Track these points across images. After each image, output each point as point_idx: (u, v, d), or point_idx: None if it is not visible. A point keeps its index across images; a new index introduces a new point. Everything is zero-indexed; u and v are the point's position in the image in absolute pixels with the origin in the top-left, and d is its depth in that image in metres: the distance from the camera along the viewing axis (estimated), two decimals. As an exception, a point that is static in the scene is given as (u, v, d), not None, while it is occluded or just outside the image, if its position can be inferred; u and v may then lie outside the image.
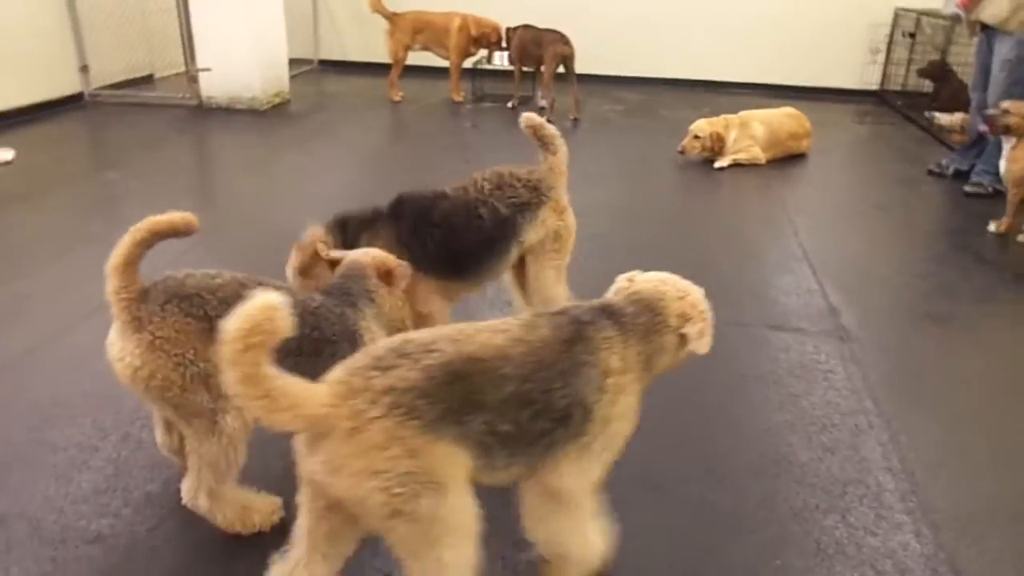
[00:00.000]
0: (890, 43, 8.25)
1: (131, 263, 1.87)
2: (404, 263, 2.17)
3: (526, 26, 7.30)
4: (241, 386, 1.29)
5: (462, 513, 1.46)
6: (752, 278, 3.81)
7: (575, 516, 1.68)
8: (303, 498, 1.54)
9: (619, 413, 1.67)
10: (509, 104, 7.66)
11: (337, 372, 1.45)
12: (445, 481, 1.42)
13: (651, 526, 2.15)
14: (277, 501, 2.08)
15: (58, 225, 4.34)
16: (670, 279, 1.83)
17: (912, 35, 7.71)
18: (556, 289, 2.71)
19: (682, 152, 5.83)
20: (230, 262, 3.86)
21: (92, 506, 2.14)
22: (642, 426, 2.56)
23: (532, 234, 2.65)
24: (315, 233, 2.41)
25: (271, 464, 2.23)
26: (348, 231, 2.48)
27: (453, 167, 3.75)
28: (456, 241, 2.52)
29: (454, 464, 1.44)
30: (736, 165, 5.85)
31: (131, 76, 7.80)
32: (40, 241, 4.06)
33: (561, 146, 2.74)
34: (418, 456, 1.38)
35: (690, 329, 1.74)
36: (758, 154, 5.90)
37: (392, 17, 7.59)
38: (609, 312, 1.71)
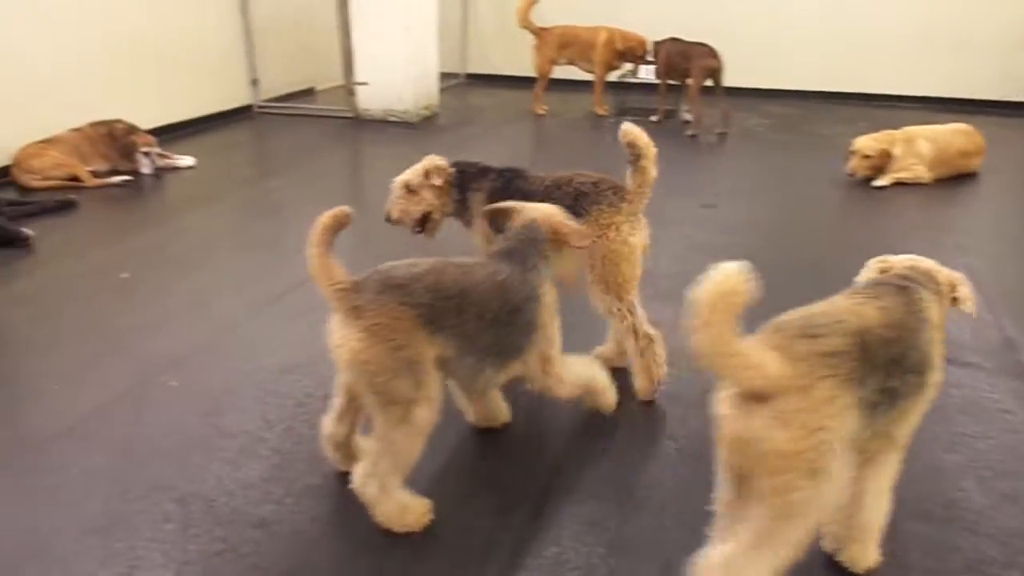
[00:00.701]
0: (1078, 54, 7.55)
1: (326, 262, 2.04)
2: (582, 227, 2.30)
3: (673, 39, 7.20)
4: (714, 346, 1.50)
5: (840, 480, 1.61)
6: (916, 306, 3.57)
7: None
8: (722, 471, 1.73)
9: (939, 364, 1.83)
10: (653, 118, 7.58)
11: (772, 338, 1.63)
12: (844, 446, 1.59)
13: (806, 568, 2.05)
14: (429, 503, 2.16)
15: (229, 226, 4.69)
16: (919, 258, 2.01)
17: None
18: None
19: (852, 175, 5.55)
20: (383, 261, 4.05)
21: (258, 492, 2.29)
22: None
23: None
24: (439, 164, 2.89)
25: (423, 466, 2.30)
26: (465, 177, 2.89)
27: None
28: None
29: (851, 428, 1.61)
30: (897, 184, 5.51)
31: (294, 89, 8.33)
32: (214, 240, 4.40)
33: (649, 168, 2.61)
34: (843, 416, 1.57)
35: (962, 291, 1.94)
36: (922, 173, 5.54)
37: (540, 32, 7.71)
38: (911, 280, 1.87)
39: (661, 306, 2.99)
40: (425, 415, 2.03)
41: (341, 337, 2.02)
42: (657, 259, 3.66)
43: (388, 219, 3.05)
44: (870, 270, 2.07)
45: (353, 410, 2.25)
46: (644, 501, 2.26)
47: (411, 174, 2.96)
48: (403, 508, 2.11)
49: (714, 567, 1.67)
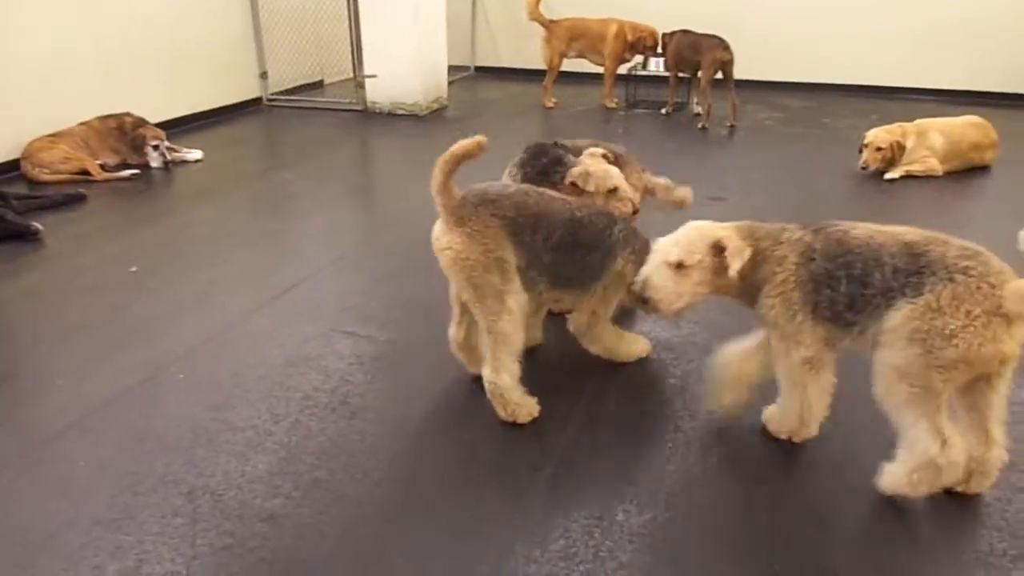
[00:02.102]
0: (1094, 45, 7.45)
1: (447, 181, 2.41)
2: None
3: (684, 31, 7.16)
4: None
5: None
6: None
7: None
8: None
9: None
10: (663, 111, 7.55)
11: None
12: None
13: (809, 562, 2.04)
14: (535, 402, 2.59)
15: (239, 219, 4.70)
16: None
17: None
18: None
19: (864, 168, 5.50)
20: (391, 256, 4.07)
21: (266, 486, 2.29)
22: (800, 451, 2.46)
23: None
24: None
25: (433, 454, 2.30)
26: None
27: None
28: None
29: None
30: (909, 177, 5.47)
31: (304, 82, 8.33)
32: (223, 234, 4.40)
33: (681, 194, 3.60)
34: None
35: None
36: (934, 165, 5.49)
37: (549, 24, 7.67)
38: None
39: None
40: (518, 301, 2.45)
41: (447, 241, 2.44)
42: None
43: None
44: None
45: (468, 315, 2.63)
46: (652, 494, 2.25)
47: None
48: (518, 405, 2.54)
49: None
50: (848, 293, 2.09)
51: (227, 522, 2.14)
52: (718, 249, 2.21)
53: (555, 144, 3.24)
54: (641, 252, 2.57)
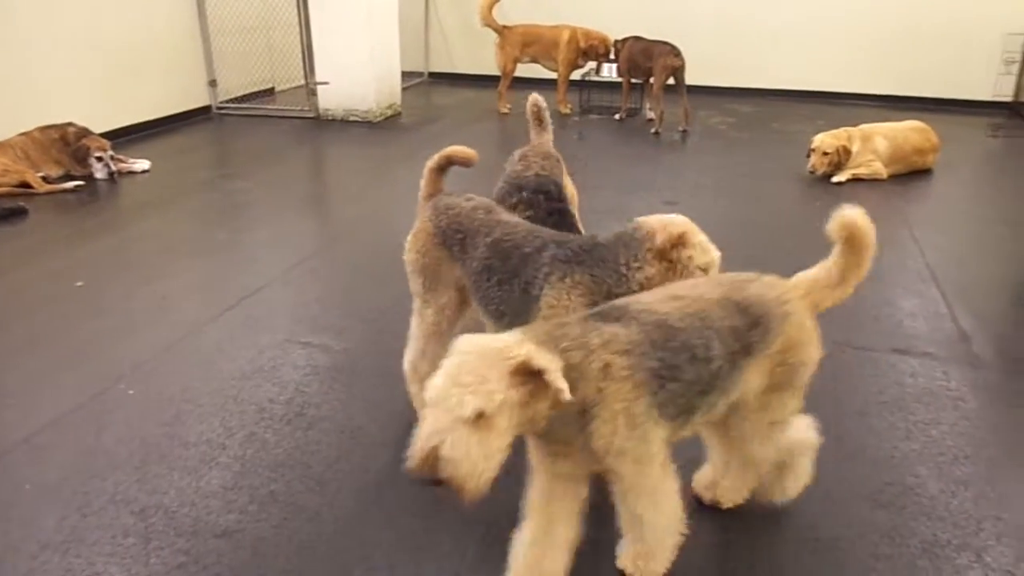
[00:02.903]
0: (1026, 52, 7.75)
1: (433, 177, 2.50)
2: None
3: (636, 38, 7.25)
4: None
5: None
6: (875, 300, 3.63)
7: None
8: None
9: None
10: (617, 116, 7.63)
11: None
12: None
13: (765, 558, 2.08)
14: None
15: (189, 231, 4.62)
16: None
17: (1052, 42, 7.22)
18: None
19: (812, 172, 5.63)
20: (347, 265, 4.04)
21: (221, 501, 2.25)
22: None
23: None
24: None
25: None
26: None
27: (561, 179, 3.86)
28: None
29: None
30: (855, 180, 5.61)
31: (254, 89, 8.22)
32: (174, 245, 4.32)
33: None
34: None
35: None
36: (879, 169, 5.64)
37: (502, 30, 7.71)
38: None
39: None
40: (431, 316, 2.45)
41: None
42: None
43: None
44: None
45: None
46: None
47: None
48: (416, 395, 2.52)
49: None
50: (694, 377, 1.72)
51: (181, 539, 2.10)
52: (525, 375, 1.50)
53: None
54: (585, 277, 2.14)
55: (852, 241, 1.85)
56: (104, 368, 2.98)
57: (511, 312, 2.21)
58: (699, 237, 2.11)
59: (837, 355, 3.12)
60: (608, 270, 2.08)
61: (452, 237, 2.35)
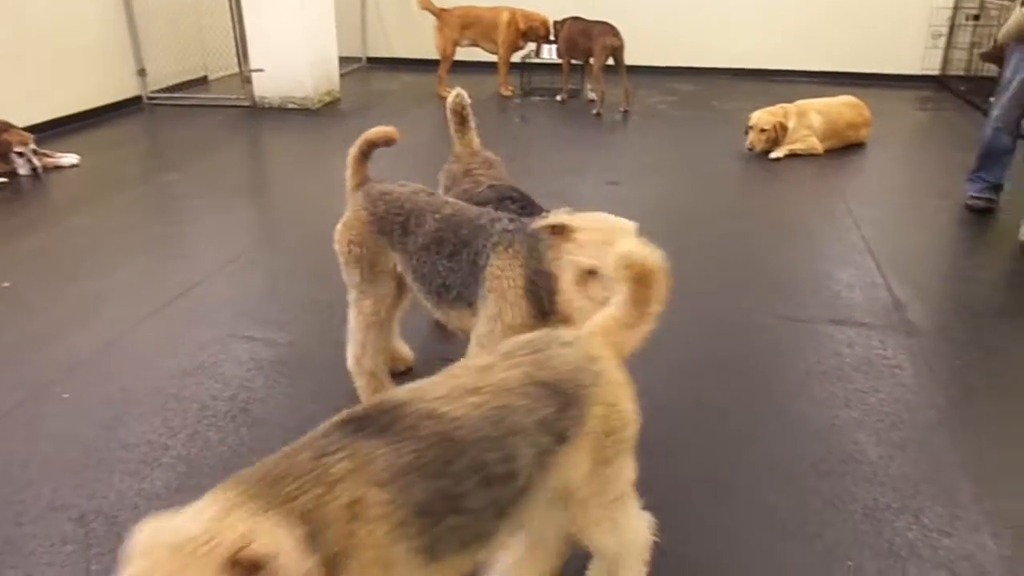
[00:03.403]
0: (952, 26, 7.98)
1: (357, 164, 2.46)
2: None
3: (574, 18, 7.25)
4: None
5: None
6: (813, 272, 3.73)
7: None
8: None
9: None
10: (558, 98, 7.63)
11: None
12: None
13: (712, 527, 2.12)
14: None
15: (123, 225, 4.46)
16: None
17: (976, 17, 7.46)
18: None
19: (751, 149, 5.71)
20: (288, 256, 3.96)
21: (165, 503, 2.18)
22: (702, 424, 2.55)
23: None
24: None
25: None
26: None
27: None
28: None
29: None
30: (792, 155, 5.72)
31: (186, 78, 7.98)
32: (107, 241, 4.18)
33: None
34: None
35: None
36: (815, 144, 5.77)
37: (440, 13, 7.61)
38: None
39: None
40: (369, 306, 2.43)
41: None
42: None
43: None
44: None
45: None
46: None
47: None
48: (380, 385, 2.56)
49: None
50: (486, 502, 1.34)
51: (124, 546, 2.04)
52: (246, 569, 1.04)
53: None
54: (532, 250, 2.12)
55: (640, 279, 1.57)
56: (35, 372, 2.87)
57: (458, 284, 2.22)
58: (587, 236, 1.97)
59: (777, 328, 3.19)
60: (535, 249, 2.10)
61: (392, 222, 2.32)
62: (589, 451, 1.51)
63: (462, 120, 3.00)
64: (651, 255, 1.56)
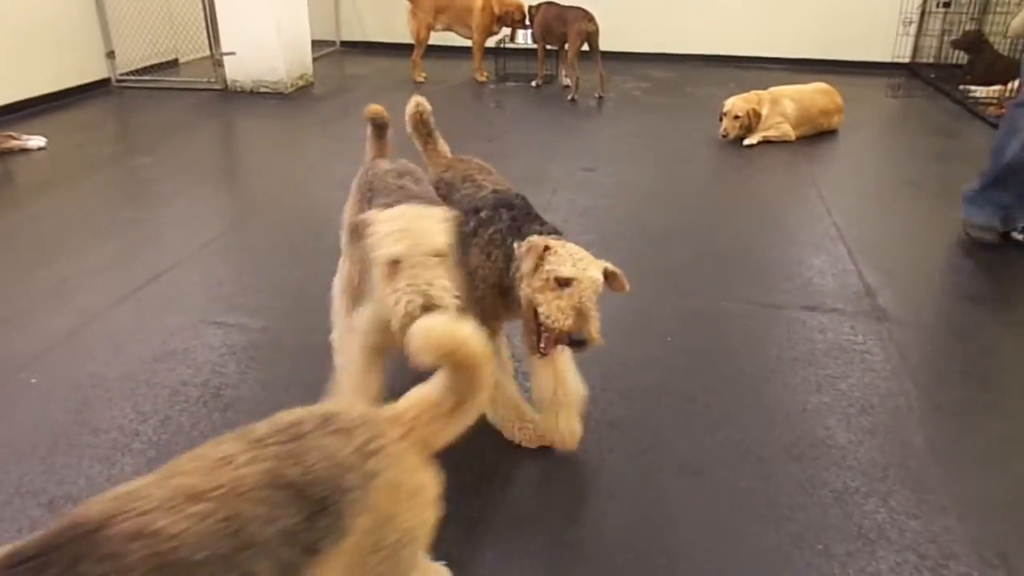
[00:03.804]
0: (923, 13, 8.06)
1: (373, 144, 2.68)
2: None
3: (549, 3, 7.22)
4: None
5: None
6: (785, 259, 3.76)
7: None
8: None
9: None
10: (533, 83, 7.60)
11: None
12: None
13: (684, 513, 2.14)
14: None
15: (92, 210, 4.38)
16: None
17: (947, 4, 7.54)
18: None
19: (725, 136, 5.73)
20: (261, 241, 3.92)
21: (135, 489, 2.17)
22: (675, 411, 2.57)
23: None
24: None
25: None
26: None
27: (476, 147, 3.74)
28: None
29: None
30: (765, 142, 5.76)
31: (156, 61, 7.83)
32: (75, 225, 4.10)
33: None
34: None
35: None
36: (788, 131, 5.81)
37: (414, -3, 7.54)
38: None
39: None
40: (346, 268, 2.53)
41: None
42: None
43: None
44: None
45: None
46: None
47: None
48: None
49: None
50: None
51: (93, 532, 2.01)
52: None
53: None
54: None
55: (456, 363, 1.32)
56: (2, 357, 2.82)
57: None
58: (384, 227, 1.91)
59: (750, 314, 3.22)
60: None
61: (363, 196, 2.48)
62: (349, 568, 1.22)
63: (428, 131, 2.81)
64: (466, 335, 1.27)
